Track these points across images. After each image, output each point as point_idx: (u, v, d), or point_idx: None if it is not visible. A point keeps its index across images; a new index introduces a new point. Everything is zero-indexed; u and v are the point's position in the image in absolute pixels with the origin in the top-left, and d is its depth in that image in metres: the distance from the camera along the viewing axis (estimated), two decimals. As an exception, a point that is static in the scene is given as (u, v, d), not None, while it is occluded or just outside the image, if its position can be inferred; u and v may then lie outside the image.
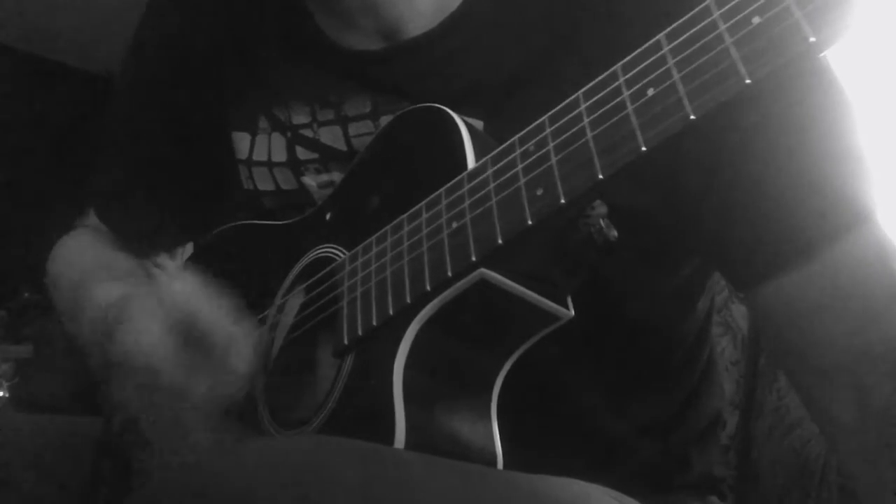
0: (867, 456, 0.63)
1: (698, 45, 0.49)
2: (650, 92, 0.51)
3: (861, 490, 0.66)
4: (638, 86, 0.52)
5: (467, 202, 0.61)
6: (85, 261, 0.94)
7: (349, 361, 0.67)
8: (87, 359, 0.80)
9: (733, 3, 0.48)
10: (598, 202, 0.59)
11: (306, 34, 0.82)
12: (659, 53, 0.52)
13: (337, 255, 0.73)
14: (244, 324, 0.70)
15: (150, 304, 0.70)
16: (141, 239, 0.99)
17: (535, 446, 0.69)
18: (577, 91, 0.57)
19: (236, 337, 0.69)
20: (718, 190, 0.66)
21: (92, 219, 1.03)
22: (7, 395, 2.20)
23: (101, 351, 0.72)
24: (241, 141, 0.87)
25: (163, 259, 0.97)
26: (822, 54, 0.46)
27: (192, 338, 0.69)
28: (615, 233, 0.59)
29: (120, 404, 0.72)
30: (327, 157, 0.82)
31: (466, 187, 0.62)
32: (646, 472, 0.83)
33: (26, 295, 2.61)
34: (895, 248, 0.65)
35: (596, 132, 0.54)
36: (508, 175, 0.59)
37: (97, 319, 0.76)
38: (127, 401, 0.71)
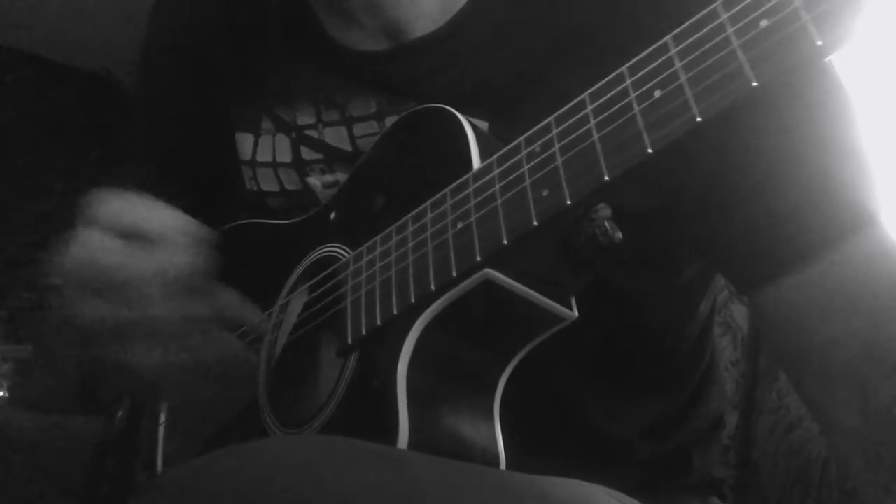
0: (869, 457, 0.63)
1: (706, 47, 0.49)
2: (657, 94, 0.51)
3: (862, 490, 0.66)
4: (645, 87, 0.52)
5: (473, 202, 0.61)
6: None
7: (352, 361, 0.67)
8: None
9: (741, 5, 0.48)
10: (602, 205, 0.59)
11: (311, 35, 0.82)
12: (666, 55, 0.52)
13: (341, 254, 0.74)
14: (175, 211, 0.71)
15: (89, 224, 0.71)
16: None
17: (537, 447, 0.69)
18: (583, 92, 0.57)
19: (173, 219, 0.70)
20: (722, 192, 0.66)
21: None
22: (7, 395, 2.20)
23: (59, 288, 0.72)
24: (245, 142, 0.87)
25: None
26: (828, 58, 0.46)
27: (132, 233, 0.69)
28: (620, 234, 0.59)
29: (88, 327, 0.70)
30: (332, 158, 0.82)
31: (472, 187, 0.62)
32: (647, 472, 0.83)
33: (26, 295, 2.61)
34: None
35: (602, 133, 0.54)
36: (514, 175, 0.59)
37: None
38: (92, 318, 0.69)
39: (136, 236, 0.69)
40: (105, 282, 0.68)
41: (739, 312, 1.49)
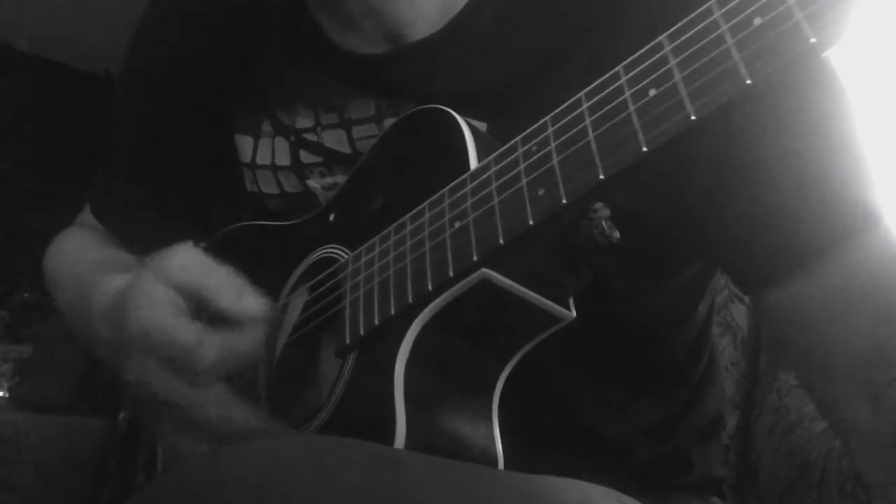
0: (881, 455, 0.63)
1: (699, 45, 0.49)
2: (652, 92, 0.51)
3: (874, 489, 0.66)
4: (639, 86, 0.52)
5: (470, 202, 0.61)
6: (88, 256, 0.94)
7: (351, 361, 0.67)
8: (96, 353, 0.78)
9: (734, 3, 0.48)
10: (600, 204, 0.59)
11: (310, 38, 0.82)
12: (660, 54, 0.52)
13: (340, 255, 0.74)
14: (249, 286, 0.69)
15: (156, 280, 0.68)
16: (141, 241, 0.99)
17: (535, 447, 0.69)
18: (580, 92, 0.57)
19: (244, 295, 0.68)
20: (724, 193, 0.66)
21: (87, 218, 1.03)
22: (7, 395, 2.20)
23: (113, 340, 0.71)
24: (244, 144, 0.87)
25: None
26: (823, 55, 0.46)
27: (201, 303, 0.68)
28: (617, 234, 0.59)
29: (139, 389, 0.69)
30: (331, 161, 0.82)
31: (469, 187, 0.62)
32: (647, 472, 0.83)
33: (26, 295, 2.61)
34: None
35: (598, 132, 0.54)
36: (510, 175, 0.59)
37: (106, 307, 0.74)
38: (147, 384, 0.68)
39: (212, 311, 0.67)
40: (177, 357, 0.66)
41: (739, 312, 1.49)
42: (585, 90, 0.56)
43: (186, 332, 0.66)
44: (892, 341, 0.62)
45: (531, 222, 0.57)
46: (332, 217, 0.78)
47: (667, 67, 0.51)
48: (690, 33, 0.50)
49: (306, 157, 0.83)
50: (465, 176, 0.63)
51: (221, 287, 0.67)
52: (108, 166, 1.01)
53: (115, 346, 0.70)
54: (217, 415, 0.67)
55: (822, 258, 0.64)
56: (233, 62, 0.88)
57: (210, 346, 0.65)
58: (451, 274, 0.61)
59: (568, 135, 0.56)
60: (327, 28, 0.81)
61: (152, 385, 0.67)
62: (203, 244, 0.73)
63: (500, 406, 0.65)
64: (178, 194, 0.96)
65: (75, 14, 2.80)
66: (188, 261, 0.69)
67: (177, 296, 0.67)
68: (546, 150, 0.57)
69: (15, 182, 2.95)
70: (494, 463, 0.64)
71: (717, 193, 0.67)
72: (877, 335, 0.63)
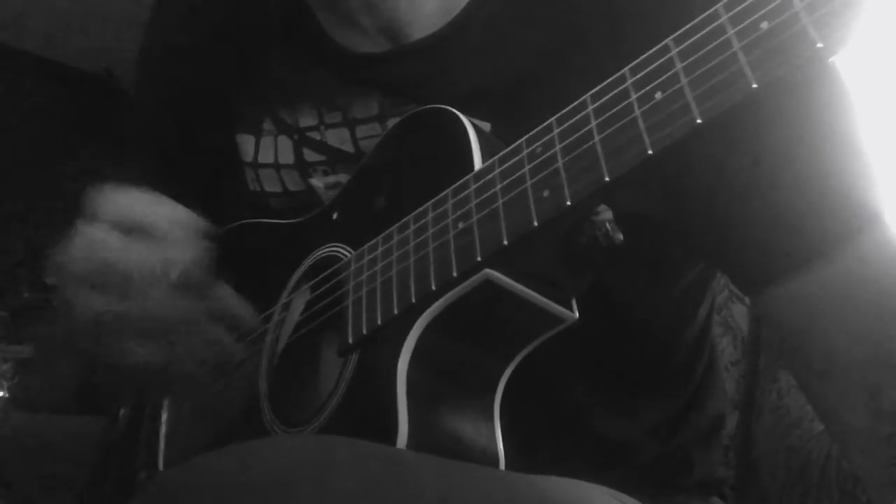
0: (877, 458, 0.63)
1: (706, 49, 0.49)
2: (658, 95, 0.51)
3: (871, 490, 0.66)
4: (646, 89, 0.52)
5: (473, 203, 0.61)
6: None
7: (353, 360, 0.67)
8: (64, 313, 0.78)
9: (741, 7, 0.48)
10: (602, 206, 0.59)
11: (311, 37, 0.83)
12: (666, 56, 0.52)
13: (343, 254, 0.74)
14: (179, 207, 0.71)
15: (87, 220, 0.70)
16: None
17: (537, 447, 0.69)
18: (583, 92, 0.57)
19: (173, 210, 0.70)
20: (725, 193, 0.66)
21: None
22: (7, 395, 2.19)
23: (66, 289, 0.71)
24: (246, 143, 0.87)
25: None
26: (830, 59, 0.46)
27: (131, 228, 0.69)
28: (621, 236, 0.59)
29: (80, 318, 0.69)
30: (335, 160, 0.82)
31: (473, 187, 0.62)
32: (648, 473, 0.83)
33: (26, 295, 2.60)
34: None
35: (603, 135, 0.54)
36: (515, 176, 0.59)
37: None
38: (89, 312, 0.68)
39: (138, 231, 0.69)
40: (104, 276, 0.68)
41: (739, 312, 1.49)
42: (591, 92, 0.57)
43: (110, 250, 0.68)
44: (891, 343, 0.62)
45: (535, 223, 0.57)
46: (334, 216, 0.78)
47: (673, 71, 0.51)
48: (697, 37, 0.50)
49: (310, 155, 0.83)
50: (468, 176, 0.63)
51: (149, 209, 0.70)
52: (118, 165, 1.02)
53: (66, 298, 0.70)
54: (159, 304, 0.68)
55: (822, 259, 0.64)
56: (234, 62, 0.88)
57: (137, 257, 0.67)
58: (454, 274, 0.61)
59: (573, 137, 0.56)
60: (328, 27, 0.82)
61: (86, 313, 0.68)
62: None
63: (501, 406, 0.66)
64: (181, 193, 0.96)
65: (75, 14, 2.79)
66: (121, 197, 0.71)
67: (108, 228, 0.69)
68: (551, 151, 0.57)
69: (14, 181, 2.94)
70: (496, 463, 0.64)
71: (719, 193, 0.67)
72: (875, 337, 0.63)
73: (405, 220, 0.67)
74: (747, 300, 1.40)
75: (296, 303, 0.78)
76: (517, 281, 0.61)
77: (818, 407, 0.70)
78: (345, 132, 0.81)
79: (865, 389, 0.63)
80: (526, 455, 0.65)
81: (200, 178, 0.95)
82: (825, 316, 0.64)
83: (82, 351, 0.75)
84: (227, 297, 0.75)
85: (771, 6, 0.46)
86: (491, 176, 0.61)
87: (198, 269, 0.70)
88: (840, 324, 0.64)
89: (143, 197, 0.71)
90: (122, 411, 0.94)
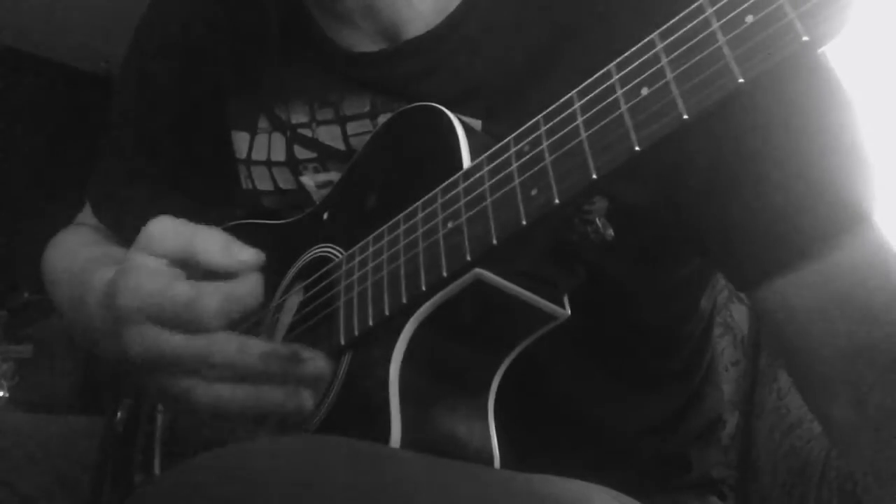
0: (864, 455, 0.63)
1: (691, 43, 0.49)
2: (644, 91, 0.51)
3: (862, 489, 0.66)
4: (631, 85, 0.52)
5: (462, 202, 0.61)
6: (84, 253, 0.93)
7: (346, 361, 0.67)
8: (95, 348, 0.75)
9: (726, 1, 0.48)
10: (597, 197, 0.59)
11: (307, 35, 0.82)
12: (652, 52, 0.51)
13: (335, 254, 0.74)
14: (234, 239, 0.67)
15: (142, 253, 0.66)
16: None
17: (532, 446, 0.69)
18: (572, 91, 0.57)
19: (232, 246, 0.66)
20: (719, 188, 0.66)
21: (87, 216, 1.03)
22: (7, 395, 2.20)
23: (109, 325, 0.67)
24: (241, 140, 0.87)
25: None
26: (816, 53, 0.46)
27: (191, 264, 0.66)
28: (612, 232, 0.59)
29: (142, 361, 0.64)
30: (325, 157, 0.82)
31: (462, 186, 0.62)
32: (646, 472, 0.83)
33: (26, 295, 2.61)
34: (893, 249, 0.65)
35: (590, 132, 0.54)
36: (503, 174, 0.59)
37: (100, 294, 0.71)
38: (149, 349, 0.64)
39: (197, 266, 0.66)
40: (174, 314, 0.63)
41: (739, 312, 1.49)
42: (577, 89, 0.56)
43: (183, 288, 0.64)
44: (876, 343, 0.62)
45: (524, 222, 0.57)
46: (325, 216, 0.78)
47: (658, 66, 0.50)
48: (682, 31, 0.50)
49: (301, 152, 0.83)
50: (457, 175, 0.63)
51: (207, 243, 0.66)
52: (107, 163, 1.01)
53: (111, 330, 0.67)
54: (234, 349, 0.63)
55: (810, 257, 0.63)
56: (230, 59, 0.88)
57: (210, 294, 0.63)
58: (444, 274, 0.61)
59: (560, 134, 0.56)
60: (324, 25, 0.81)
61: (157, 347, 0.64)
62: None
63: (498, 405, 0.65)
64: (176, 191, 0.97)
65: (75, 14, 2.80)
66: (168, 227, 0.67)
67: (165, 263, 0.65)
68: (538, 149, 0.57)
69: (15, 181, 2.95)
70: (491, 462, 0.63)
71: (712, 188, 0.67)
72: (860, 336, 0.63)
73: (395, 219, 0.67)
74: (747, 300, 1.39)
75: (289, 304, 0.78)
76: (508, 279, 0.61)
77: (808, 402, 0.70)
78: (336, 129, 0.81)
79: (852, 386, 0.63)
80: (522, 454, 0.65)
81: (193, 175, 0.95)
82: (810, 315, 0.64)
83: (135, 381, 0.72)
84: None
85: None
86: (479, 174, 0.61)
87: (257, 303, 0.66)
88: (824, 323, 0.64)
89: (198, 230, 0.67)
90: (118, 413, 0.94)
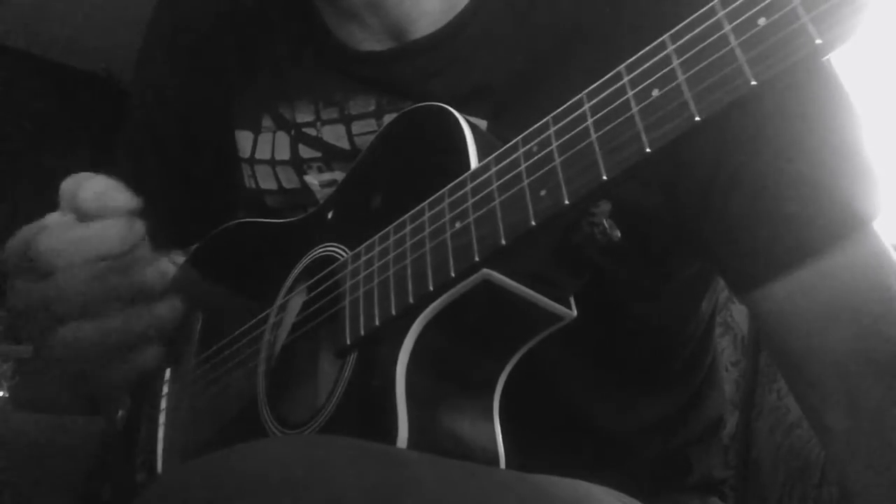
0: (856, 465, 0.64)
1: (703, 45, 0.49)
2: (655, 93, 0.51)
3: (853, 491, 0.66)
4: (642, 86, 0.52)
5: (470, 202, 0.61)
6: None
7: (351, 361, 0.67)
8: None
9: (738, 3, 0.48)
10: (602, 201, 0.59)
11: (313, 34, 0.82)
12: (663, 53, 0.51)
13: (339, 254, 0.73)
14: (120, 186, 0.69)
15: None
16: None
17: (536, 446, 0.69)
18: (582, 92, 0.57)
19: (108, 190, 0.68)
20: (719, 191, 0.66)
21: None
22: (7, 395, 2.19)
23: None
24: (244, 140, 0.87)
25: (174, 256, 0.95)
26: (827, 57, 0.46)
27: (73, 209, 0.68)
28: (618, 233, 0.59)
29: (20, 311, 0.68)
30: (330, 156, 0.82)
31: (469, 187, 0.62)
32: (647, 472, 0.83)
33: (26, 295, 2.60)
34: (890, 256, 0.65)
35: (600, 133, 0.54)
36: (512, 175, 0.59)
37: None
38: (19, 295, 0.68)
39: (77, 212, 0.68)
40: (32, 260, 0.66)
41: (739, 312, 1.49)
42: (587, 90, 0.56)
43: (24, 233, 0.67)
44: (871, 348, 0.63)
45: (533, 223, 0.57)
46: (329, 215, 0.78)
47: (670, 68, 0.50)
48: (694, 33, 0.50)
49: (305, 151, 0.83)
50: (465, 175, 0.63)
51: (85, 190, 0.68)
52: (120, 164, 1.02)
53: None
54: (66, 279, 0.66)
55: (806, 262, 0.64)
56: (236, 58, 0.88)
57: (47, 234, 0.66)
58: (452, 274, 0.61)
59: (570, 135, 0.56)
60: (330, 24, 0.81)
61: (14, 298, 0.67)
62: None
63: (502, 405, 0.65)
64: (181, 190, 0.97)
65: (75, 14, 2.80)
66: (69, 182, 0.70)
67: (62, 213, 0.68)
68: (547, 150, 0.57)
69: (14, 181, 2.94)
70: (496, 462, 0.64)
71: (712, 191, 0.67)
72: (856, 343, 0.63)
73: (402, 219, 0.66)
74: (744, 304, 1.40)
75: (293, 304, 0.78)
76: (516, 280, 0.61)
77: (802, 407, 0.70)
78: (341, 128, 0.81)
79: (846, 392, 0.63)
80: (526, 454, 0.65)
81: (198, 175, 0.95)
82: (805, 320, 0.65)
83: (27, 340, 0.74)
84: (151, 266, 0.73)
85: (768, 1, 0.46)
86: (487, 175, 0.61)
87: (124, 244, 0.68)
88: (820, 329, 0.64)
89: (87, 177, 0.69)
90: (119, 413, 0.94)
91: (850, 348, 0.63)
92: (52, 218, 0.69)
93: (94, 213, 0.67)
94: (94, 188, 0.68)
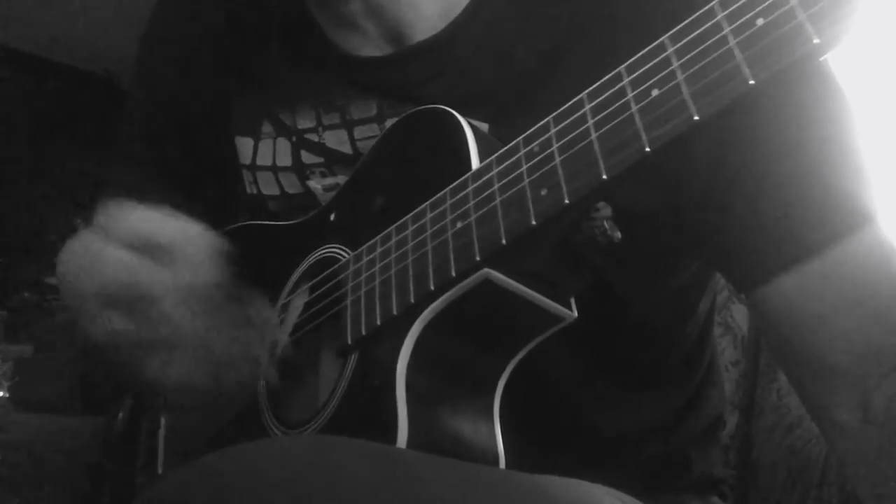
0: (867, 460, 0.64)
1: (703, 46, 0.49)
2: (654, 93, 0.51)
3: (860, 489, 0.66)
4: (642, 87, 0.52)
5: (472, 202, 0.61)
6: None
7: (353, 361, 0.67)
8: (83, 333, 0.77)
9: (738, 4, 0.48)
10: (601, 204, 0.59)
11: (311, 40, 0.82)
12: (663, 54, 0.52)
13: (341, 255, 0.74)
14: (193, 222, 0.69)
15: (104, 241, 0.69)
16: None
17: (537, 446, 0.69)
18: (582, 93, 0.57)
19: (189, 230, 0.68)
20: (721, 190, 0.66)
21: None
22: (7, 395, 2.20)
23: (76, 307, 0.70)
24: (244, 146, 0.87)
25: None
26: (825, 56, 0.46)
27: (147, 247, 0.67)
28: (619, 234, 0.59)
29: (112, 343, 0.68)
30: (332, 161, 0.82)
31: (471, 187, 0.62)
32: (647, 472, 0.83)
33: (26, 295, 2.61)
34: None
35: (600, 133, 0.54)
36: (513, 175, 0.59)
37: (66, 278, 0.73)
38: (116, 333, 0.67)
39: (151, 250, 0.67)
40: (124, 298, 0.66)
41: (739, 312, 1.49)
42: (587, 91, 0.56)
43: (128, 272, 0.66)
44: (880, 343, 0.63)
45: (533, 222, 0.57)
46: (332, 216, 0.78)
47: (670, 69, 0.51)
48: (693, 34, 0.50)
49: (308, 157, 0.83)
50: (466, 176, 0.63)
51: (164, 228, 0.68)
52: (119, 172, 1.01)
53: (80, 315, 0.69)
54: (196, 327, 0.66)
55: (814, 258, 0.64)
56: (234, 64, 0.88)
57: (154, 278, 0.66)
58: (453, 274, 0.61)
59: (570, 135, 0.56)
60: (329, 30, 0.81)
61: (123, 332, 0.67)
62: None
63: (502, 405, 0.66)
64: (181, 197, 0.96)
65: (75, 14, 2.80)
66: (133, 215, 0.70)
67: (126, 251, 0.67)
68: (548, 150, 0.57)
69: (15, 182, 2.95)
70: (496, 462, 0.64)
71: (713, 190, 0.67)
72: (864, 337, 0.63)
73: (403, 220, 0.67)
74: (748, 301, 1.40)
75: (294, 304, 0.78)
76: (516, 280, 0.61)
77: (809, 405, 0.70)
78: (343, 133, 0.81)
79: (855, 388, 0.63)
80: (527, 454, 0.65)
81: (198, 181, 0.95)
82: (813, 315, 0.65)
83: (96, 363, 0.74)
84: (260, 306, 0.73)
85: (766, 2, 0.46)
86: (489, 175, 0.61)
87: (214, 285, 0.68)
88: (827, 324, 0.64)
89: (152, 214, 0.69)
90: (120, 413, 0.94)
91: (860, 339, 0.63)
92: (118, 252, 0.68)
93: (181, 255, 0.67)
94: (176, 228, 0.68)
